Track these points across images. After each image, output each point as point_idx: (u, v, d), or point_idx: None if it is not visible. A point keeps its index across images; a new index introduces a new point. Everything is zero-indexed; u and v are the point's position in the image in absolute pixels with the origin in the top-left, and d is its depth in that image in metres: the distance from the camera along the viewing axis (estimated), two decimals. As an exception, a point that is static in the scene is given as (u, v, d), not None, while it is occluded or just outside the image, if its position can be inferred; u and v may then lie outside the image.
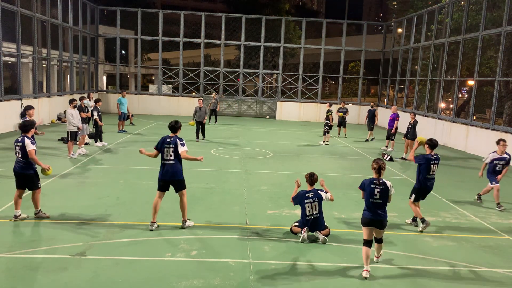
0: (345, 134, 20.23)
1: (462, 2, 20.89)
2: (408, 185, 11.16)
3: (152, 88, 30.53)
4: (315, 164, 13.49)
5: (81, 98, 14.64)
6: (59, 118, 21.37)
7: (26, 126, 7.49)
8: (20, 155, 7.21)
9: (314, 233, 6.95)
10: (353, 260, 6.30)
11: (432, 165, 7.69)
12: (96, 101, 14.87)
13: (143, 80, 40.32)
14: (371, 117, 19.14)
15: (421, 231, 7.61)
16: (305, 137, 20.03)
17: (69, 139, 12.50)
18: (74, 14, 24.05)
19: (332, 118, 17.97)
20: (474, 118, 19.34)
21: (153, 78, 43.82)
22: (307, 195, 6.96)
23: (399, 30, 28.78)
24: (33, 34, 19.52)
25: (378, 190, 5.85)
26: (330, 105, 18.47)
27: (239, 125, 23.37)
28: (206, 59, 34.80)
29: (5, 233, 6.67)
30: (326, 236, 6.94)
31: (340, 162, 14.01)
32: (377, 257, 6.31)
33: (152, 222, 7.10)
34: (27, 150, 7.13)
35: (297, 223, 7.14)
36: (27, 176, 7.25)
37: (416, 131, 14.99)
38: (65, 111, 13.05)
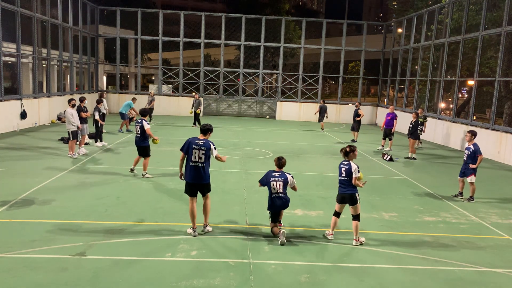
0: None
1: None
2: (408, 185, 11.19)
3: (152, 88, 30.53)
4: (315, 164, 13.48)
5: (81, 99, 14.65)
6: (59, 118, 21.36)
7: (146, 112, 11.09)
8: (139, 132, 10.40)
9: (280, 234, 6.74)
10: (353, 260, 6.31)
11: None
12: (98, 101, 14.90)
13: (143, 80, 40.35)
14: (355, 117, 18.60)
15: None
16: (305, 137, 20.03)
17: (71, 138, 12.52)
18: (74, 14, 24.04)
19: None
20: (474, 118, 19.34)
21: (153, 78, 43.86)
22: (273, 173, 7.10)
23: (399, 30, 28.77)
24: (33, 34, 19.51)
25: (344, 169, 6.95)
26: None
27: (239, 125, 23.36)
28: (206, 59, 34.81)
29: (5, 233, 6.67)
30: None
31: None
32: (356, 240, 6.85)
33: (193, 228, 6.89)
34: (145, 128, 10.32)
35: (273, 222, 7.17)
36: (143, 147, 10.49)
37: (417, 131, 14.98)
38: (64, 111, 13.09)
